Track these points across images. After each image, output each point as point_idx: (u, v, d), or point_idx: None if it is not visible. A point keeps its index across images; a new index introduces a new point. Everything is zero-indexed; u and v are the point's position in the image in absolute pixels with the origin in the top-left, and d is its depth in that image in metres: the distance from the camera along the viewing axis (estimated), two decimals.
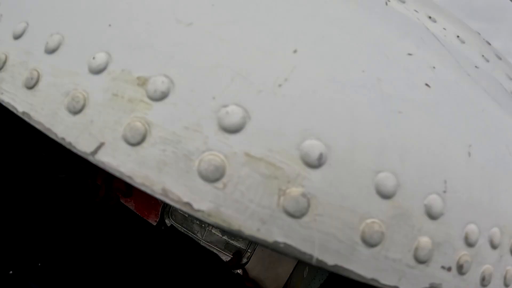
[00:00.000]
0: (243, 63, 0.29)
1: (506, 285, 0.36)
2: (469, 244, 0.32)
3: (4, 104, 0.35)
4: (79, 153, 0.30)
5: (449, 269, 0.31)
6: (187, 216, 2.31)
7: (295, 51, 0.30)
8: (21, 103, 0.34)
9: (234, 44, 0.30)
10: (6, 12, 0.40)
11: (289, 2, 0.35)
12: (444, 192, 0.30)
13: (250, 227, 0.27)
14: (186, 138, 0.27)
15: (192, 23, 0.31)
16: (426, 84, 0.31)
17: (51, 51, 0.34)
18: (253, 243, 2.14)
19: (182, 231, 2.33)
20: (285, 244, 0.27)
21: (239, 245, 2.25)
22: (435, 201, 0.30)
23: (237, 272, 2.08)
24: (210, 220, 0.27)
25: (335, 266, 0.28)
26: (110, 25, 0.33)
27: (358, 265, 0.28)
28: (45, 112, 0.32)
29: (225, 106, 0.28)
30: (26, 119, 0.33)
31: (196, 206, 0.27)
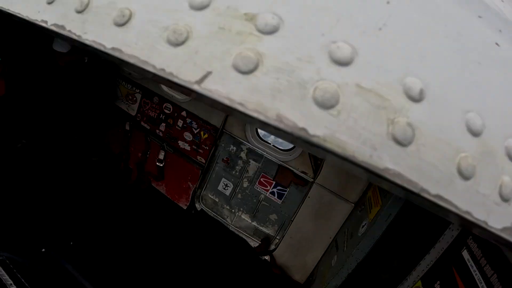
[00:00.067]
0: (346, 7, 0.31)
1: None
2: None
3: (87, 43, 0.34)
4: (181, 83, 0.30)
5: None
6: (217, 201, 2.21)
7: (388, 2, 0.32)
8: (109, 40, 0.33)
9: None
10: None
11: None
12: None
13: (364, 153, 0.28)
14: (299, 68, 0.28)
15: None
16: (496, 44, 0.35)
17: None
18: (282, 230, 2.06)
19: (212, 215, 2.24)
20: (394, 171, 0.28)
21: (268, 232, 2.18)
22: None
23: (265, 259, 2.00)
24: (326, 145, 0.27)
25: (437, 195, 0.29)
26: None
27: (456, 196, 0.29)
28: (139, 46, 0.32)
29: (334, 42, 0.29)
30: (117, 54, 0.32)
31: (311, 131, 0.27)
